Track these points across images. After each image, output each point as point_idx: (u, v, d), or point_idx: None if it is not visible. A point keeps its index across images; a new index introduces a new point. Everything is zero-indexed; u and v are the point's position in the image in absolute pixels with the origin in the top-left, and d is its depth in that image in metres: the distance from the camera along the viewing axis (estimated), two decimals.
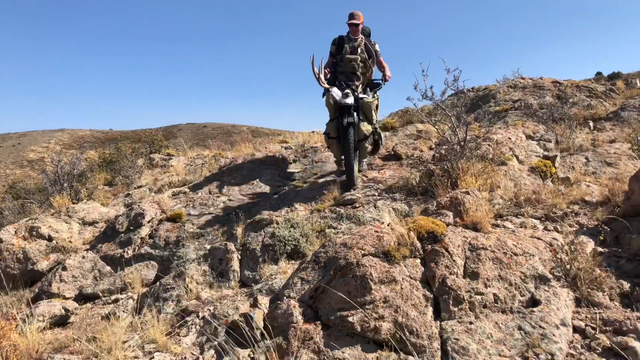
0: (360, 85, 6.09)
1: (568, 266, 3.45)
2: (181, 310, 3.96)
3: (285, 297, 3.44)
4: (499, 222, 4.40)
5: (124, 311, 4.30)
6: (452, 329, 3.10)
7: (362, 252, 3.41)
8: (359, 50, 6.20)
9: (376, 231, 3.61)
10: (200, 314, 3.80)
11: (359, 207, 5.03)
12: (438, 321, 3.19)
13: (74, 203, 6.90)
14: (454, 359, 2.94)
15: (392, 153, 7.00)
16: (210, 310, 3.82)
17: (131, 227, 5.73)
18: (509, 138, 6.96)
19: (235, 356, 3.22)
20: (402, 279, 3.27)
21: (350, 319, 3.11)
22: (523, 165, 6.15)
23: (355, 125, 5.71)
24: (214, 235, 5.22)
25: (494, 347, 3.01)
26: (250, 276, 4.34)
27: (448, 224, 3.82)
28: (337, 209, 5.08)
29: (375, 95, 6.10)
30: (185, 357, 3.33)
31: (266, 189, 6.44)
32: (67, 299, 4.93)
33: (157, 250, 5.27)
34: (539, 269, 3.37)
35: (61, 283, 5.05)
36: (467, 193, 4.38)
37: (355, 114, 5.76)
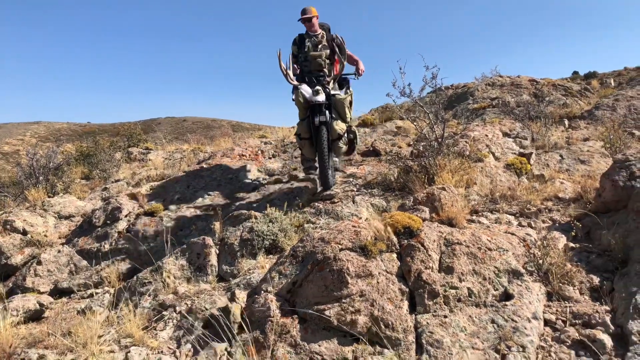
0: (332, 82, 5.80)
1: (540, 261, 3.53)
2: (158, 304, 3.95)
3: (262, 292, 3.45)
4: (474, 217, 4.48)
5: (100, 305, 4.27)
6: (427, 323, 3.15)
7: (340, 246, 3.44)
8: (320, 47, 5.93)
9: (354, 226, 3.65)
10: (178, 308, 3.80)
11: (338, 202, 5.07)
12: (414, 315, 3.24)
13: (49, 197, 6.80)
14: (429, 352, 2.99)
15: (371, 149, 7.05)
16: (187, 304, 3.82)
17: (108, 221, 5.68)
18: (486, 135, 7.06)
19: (212, 350, 3.23)
20: (379, 273, 3.31)
21: (327, 312, 3.14)
22: (499, 162, 6.25)
23: (328, 124, 5.36)
24: (192, 230, 5.20)
25: (468, 340, 3.07)
26: (228, 270, 4.35)
27: (424, 219, 3.87)
28: (316, 204, 5.11)
29: (349, 91, 5.86)
30: (162, 351, 3.32)
31: (247, 183, 6.43)
32: (42, 293, 4.87)
33: (134, 245, 5.24)
34: (512, 263, 3.45)
35: (36, 277, 4.98)
36: (444, 189, 4.44)
37: (327, 112, 5.41)
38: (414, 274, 3.33)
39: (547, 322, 3.17)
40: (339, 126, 5.49)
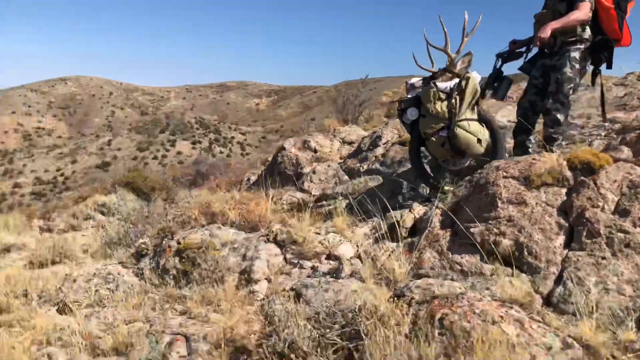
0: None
1: None
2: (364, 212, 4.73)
3: (433, 207, 3.89)
4: None
5: (337, 208, 5.36)
6: (578, 260, 3.08)
7: (505, 174, 3.55)
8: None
9: (533, 159, 3.65)
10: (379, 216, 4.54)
11: (568, 143, 4.82)
12: (566, 250, 3.19)
13: (341, 125, 8.31)
14: (565, 285, 2.99)
15: None
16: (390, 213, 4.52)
17: (370, 147, 6.73)
18: None
19: (385, 245, 3.90)
20: (536, 203, 3.33)
21: (472, 230, 3.40)
22: None
23: None
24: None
25: (617, 284, 2.91)
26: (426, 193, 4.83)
27: (617, 159, 3.51)
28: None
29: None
30: (351, 240, 4.17)
31: None
32: (313, 195, 6.29)
33: (383, 167, 6.14)
34: None
35: (311, 183, 6.44)
36: None
37: None
38: (576, 210, 3.23)
39: None
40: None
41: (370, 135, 7.06)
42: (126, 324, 3.56)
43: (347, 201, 5.51)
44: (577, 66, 4.18)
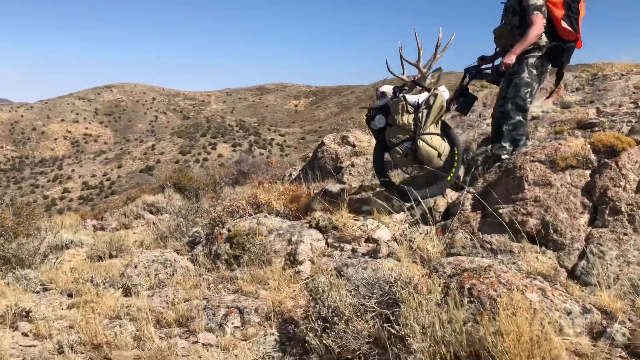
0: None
1: None
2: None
3: (465, 191, 4.14)
4: None
5: (375, 199, 5.65)
6: (600, 236, 3.30)
7: (532, 158, 3.77)
8: (510, 13, 4.58)
9: (560, 143, 3.86)
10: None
11: (599, 130, 4.97)
12: (590, 228, 3.40)
13: None
14: (588, 259, 3.21)
15: None
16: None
17: None
18: None
19: (420, 229, 4.18)
20: (561, 184, 3.55)
21: (500, 210, 3.64)
22: None
23: None
24: None
25: (638, 257, 3.11)
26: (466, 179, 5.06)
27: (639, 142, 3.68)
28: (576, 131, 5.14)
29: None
30: (388, 225, 4.46)
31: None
32: (352, 187, 6.60)
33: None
34: None
35: (350, 176, 6.75)
36: None
37: None
38: (599, 189, 3.43)
39: None
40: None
41: None
42: (185, 302, 3.96)
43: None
44: (535, 71, 4.41)
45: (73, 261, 7.00)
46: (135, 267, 4.98)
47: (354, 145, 7.68)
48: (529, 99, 4.41)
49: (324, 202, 5.32)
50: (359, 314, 2.93)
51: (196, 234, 5.32)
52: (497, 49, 4.80)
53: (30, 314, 4.07)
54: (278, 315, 3.49)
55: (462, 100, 4.66)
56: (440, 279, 3.10)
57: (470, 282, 2.92)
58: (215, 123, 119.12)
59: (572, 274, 3.23)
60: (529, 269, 3.18)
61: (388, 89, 4.83)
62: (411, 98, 4.51)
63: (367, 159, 6.82)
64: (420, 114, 4.44)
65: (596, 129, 5.06)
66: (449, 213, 4.21)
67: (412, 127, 4.45)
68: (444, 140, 4.52)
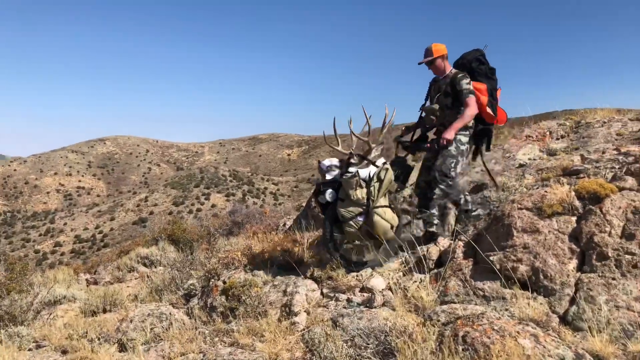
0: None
1: None
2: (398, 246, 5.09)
3: (456, 239, 4.23)
4: None
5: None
6: (589, 281, 3.38)
7: (519, 206, 3.89)
8: (440, 95, 4.83)
9: (545, 191, 3.98)
10: (410, 251, 4.87)
11: (583, 177, 5.11)
12: (579, 273, 3.48)
13: None
14: (579, 305, 3.27)
15: None
16: (417, 248, 4.86)
17: (398, 189, 7.13)
18: None
19: (414, 277, 4.23)
20: (548, 231, 3.65)
21: (491, 258, 3.72)
22: None
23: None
24: None
25: (627, 302, 3.19)
26: (457, 227, 5.16)
27: (622, 188, 3.81)
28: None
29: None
30: (382, 274, 4.51)
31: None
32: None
33: (410, 207, 6.51)
34: None
35: None
36: None
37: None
38: (585, 235, 3.54)
39: None
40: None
41: None
42: (181, 356, 3.95)
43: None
44: (461, 147, 4.70)
45: (66, 316, 6.92)
46: (131, 321, 4.96)
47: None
48: (453, 170, 4.64)
49: (319, 252, 5.38)
50: None
51: (191, 287, 5.33)
52: (427, 125, 5.01)
53: None
54: None
55: (403, 174, 4.95)
56: (434, 327, 3.14)
57: (464, 330, 2.97)
58: (209, 173, 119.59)
59: (563, 319, 3.29)
60: (522, 315, 3.23)
61: (333, 162, 4.83)
62: (363, 172, 4.60)
63: None
64: (372, 188, 4.53)
65: (581, 175, 5.18)
66: (441, 260, 4.28)
67: (365, 200, 4.54)
68: (394, 213, 4.69)
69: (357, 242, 4.76)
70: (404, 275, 4.36)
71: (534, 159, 6.72)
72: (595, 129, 7.15)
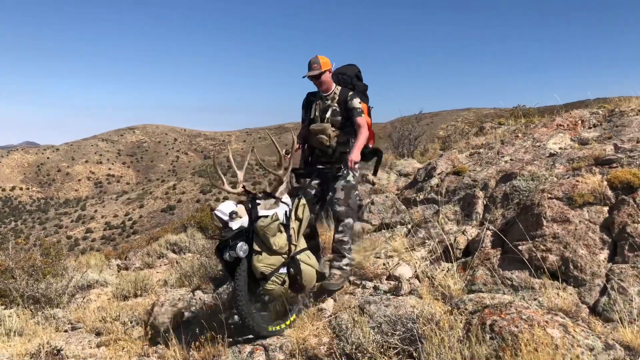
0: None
1: None
2: (427, 236, 5.11)
3: (485, 228, 4.20)
4: None
5: (398, 234, 5.72)
6: (621, 272, 3.33)
7: (549, 195, 3.84)
8: (329, 114, 4.35)
9: (577, 180, 3.93)
10: (437, 239, 4.87)
11: (616, 166, 5.01)
12: (610, 263, 3.43)
13: (397, 159, 8.72)
14: (610, 295, 3.24)
15: None
16: (445, 237, 4.85)
17: (426, 178, 7.08)
18: None
19: (441, 266, 4.24)
20: (579, 221, 3.60)
21: (520, 247, 3.70)
22: None
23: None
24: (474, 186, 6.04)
25: None
26: (487, 217, 5.10)
27: None
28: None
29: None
30: (409, 262, 4.52)
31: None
32: (373, 225, 6.69)
33: (438, 197, 6.47)
34: None
35: (370, 213, 6.84)
36: None
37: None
38: (618, 225, 3.48)
39: None
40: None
41: (425, 166, 7.41)
42: (211, 340, 4.04)
43: (406, 229, 5.89)
44: (357, 174, 4.43)
45: (99, 300, 7.13)
46: (162, 305, 5.09)
47: (373, 184, 7.79)
48: (358, 201, 4.46)
49: None
50: (382, 350, 2.98)
51: (220, 272, 5.42)
52: (315, 146, 4.55)
53: (61, 352, 4.19)
54: (302, 352, 3.55)
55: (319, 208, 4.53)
56: (462, 315, 3.15)
57: (491, 319, 2.96)
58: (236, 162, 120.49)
59: (593, 310, 3.26)
60: (550, 305, 3.21)
61: (232, 208, 3.79)
62: (279, 212, 3.78)
63: (386, 196, 6.92)
64: (292, 230, 3.80)
65: (614, 165, 5.07)
66: (469, 250, 4.27)
67: (287, 248, 3.73)
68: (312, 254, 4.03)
69: (279, 299, 3.88)
70: (431, 264, 4.37)
71: (565, 148, 6.60)
72: (629, 118, 6.98)
